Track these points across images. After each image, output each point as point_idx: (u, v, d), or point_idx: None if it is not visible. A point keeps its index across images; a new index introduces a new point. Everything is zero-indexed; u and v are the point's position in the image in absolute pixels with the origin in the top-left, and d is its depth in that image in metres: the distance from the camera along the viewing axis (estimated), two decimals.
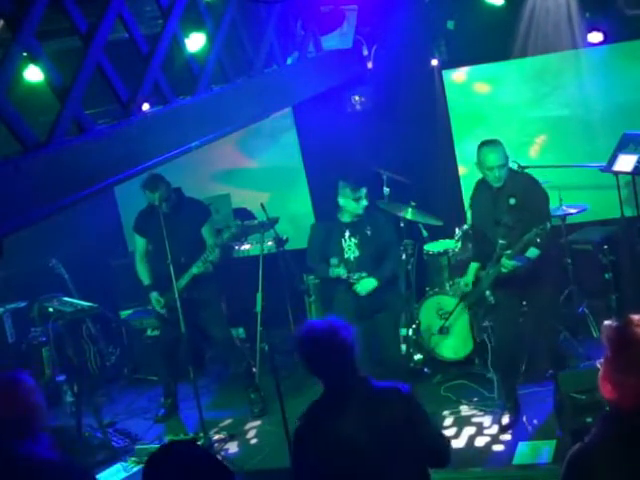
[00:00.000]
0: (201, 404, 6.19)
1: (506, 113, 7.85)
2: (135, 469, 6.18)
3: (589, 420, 4.83)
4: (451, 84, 8.01)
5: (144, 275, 6.87)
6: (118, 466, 6.21)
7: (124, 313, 8.28)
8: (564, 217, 7.02)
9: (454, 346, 6.93)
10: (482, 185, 5.96)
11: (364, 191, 6.19)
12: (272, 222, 7.09)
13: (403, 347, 6.80)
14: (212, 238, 6.70)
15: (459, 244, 7.02)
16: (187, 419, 6.92)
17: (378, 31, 7.53)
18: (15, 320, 7.52)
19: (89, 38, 3.73)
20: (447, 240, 7.34)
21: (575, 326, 6.94)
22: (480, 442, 5.82)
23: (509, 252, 5.59)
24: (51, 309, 6.51)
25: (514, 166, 6.98)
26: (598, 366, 2.66)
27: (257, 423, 6.71)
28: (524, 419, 5.94)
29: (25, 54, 3.44)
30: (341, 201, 6.23)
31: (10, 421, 3.13)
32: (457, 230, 7.10)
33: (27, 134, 3.37)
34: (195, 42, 5.33)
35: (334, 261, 6.22)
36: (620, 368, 2.52)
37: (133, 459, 6.28)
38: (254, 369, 7.04)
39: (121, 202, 8.91)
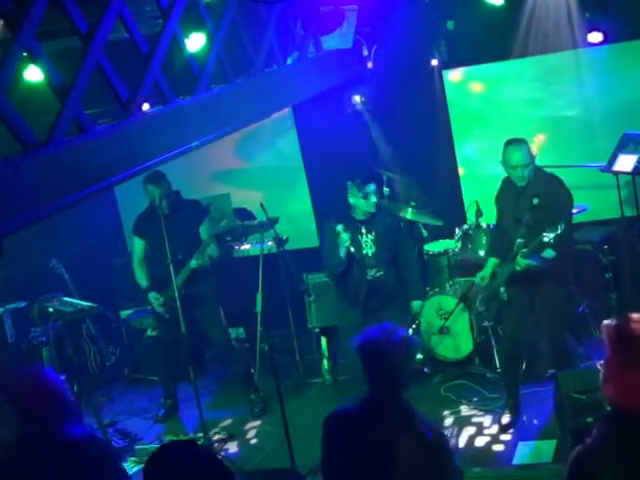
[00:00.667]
0: (201, 404, 6.19)
1: (506, 113, 7.85)
2: (135, 469, 6.17)
3: (589, 420, 4.83)
4: (451, 84, 8.02)
5: (142, 278, 6.87)
6: None
7: (124, 313, 8.28)
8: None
9: (454, 346, 6.93)
10: (507, 183, 5.97)
11: (372, 187, 6.14)
12: (272, 222, 7.09)
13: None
14: (209, 236, 6.71)
15: (459, 244, 7.02)
16: (187, 419, 6.92)
17: (378, 31, 7.54)
18: (15, 320, 7.52)
19: (89, 38, 3.73)
20: (447, 240, 7.34)
21: (575, 326, 6.93)
22: (480, 442, 5.83)
23: (525, 250, 5.60)
24: (51, 309, 6.51)
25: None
26: (598, 367, 2.66)
27: (257, 423, 6.71)
28: (524, 419, 5.94)
29: (25, 54, 3.44)
30: (351, 200, 6.20)
31: (48, 408, 3.43)
32: (457, 230, 7.11)
33: (27, 134, 3.37)
34: (195, 42, 5.33)
35: (339, 227, 6.13)
36: (621, 367, 2.52)
37: (133, 459, 6.28)
38: (253, 370, 7.03)
39: (121, 202, 8.91)
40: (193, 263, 6.56)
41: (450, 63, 7.89)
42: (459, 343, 6.90)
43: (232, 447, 6.38)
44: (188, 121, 4.58)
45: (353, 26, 6.98)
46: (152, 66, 4.22)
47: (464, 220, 7.35)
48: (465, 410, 6.29)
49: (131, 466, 6.20)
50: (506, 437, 5.82)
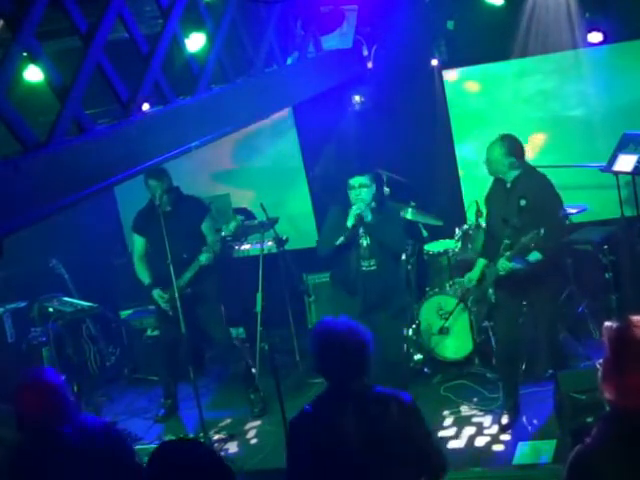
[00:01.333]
0: (201, 404, 6.19)
1: (506, 113, 7.84)
2: None
3: (589, 420, 4.83)
4: (451, 84, 8.01)
5: (144, 275, 6.87)
6: None
7: (124, 313, 8.28)
8: (564, 217, 7.02)
9: (454, 346, 6.93)
10: (497, 183, 5.97)
11: (358, 180, 6.12)
12: (272, 222, 7.09)
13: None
14: (212, 234, 6.73)
15: (459, 244, 7.03)
16: (187, 419, 6.92)
17: (378, 31, 7.54)
18: (15, 320, 7.51)
19: (89, 38, 3.73)
20: (447, 240, 7.35)
21: (575, 326, 6.94)
22: (480, 442, 5.83)
23: (507, 254, 5.59)
24: (51, 309, 6.52)
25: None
26: (598, 366, 2.66)
27: (257, 423, 6.71)
28: (524, 419, 5.94)
29: (25, 54, 3.44)
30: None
31: (50, 410, 3.49)
32: (457, 230, 7.11)
33: (27, 134, 3.37)
34: (195, 42, 5.33)
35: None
36: (621, 369, 2.52)
37: None
38: (254, 369, 7.03)
39: (121, 202, 8.91)
40: (203, 259, 6.56)
41: (450, 63, 7.89)
42: (459, 343, 6.90)
43: (232, 447, 6.38)
44: (188, 121, 4.58)
45: (353, 26, 6.98)
46: (152, 66, 4.22)
47: (464, 220, 7.35)
48: (465, 410, 6.29)
49: None
50: (506, 437, 5.81)
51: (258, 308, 6.90)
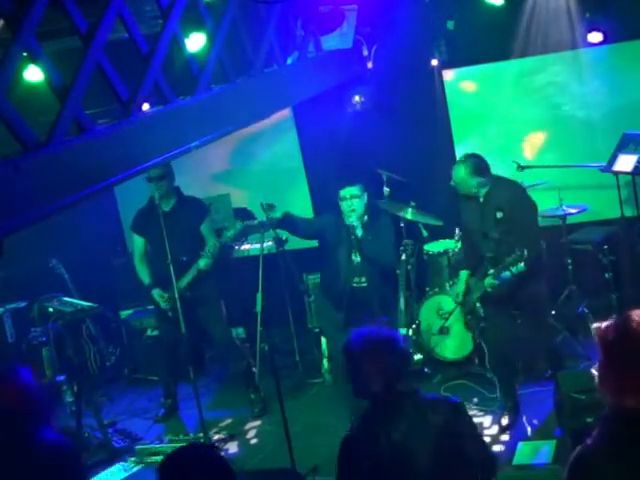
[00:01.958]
0: (201, 404, 6.19)
1: (506, 113, 7.84)
2: (135, 469, 6.18)
3: (589, 420, 4.83)
4: (451, 84, 8.01)
5: (144, 275, 6.87)
6: (118, 466, 6.22)
7: (124, 313, 8.28)
8: (564, 217, 7.03)
9: (454, 346, 6.93)
10: (469, 196, 5.95)
11: (348, 191, 6.17)
12: (272, 222, 7.08)
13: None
14: (211, 236, 6.74)
15: (459, 244, 7.02)
16: (187, 419, 6.93)
17: (378, 31, 7.53)
18: (15, 320, 7.52)
19: (89, 38, 3.73)
20: (447, 240, 7.34)
21: (575, 326, 6.94)
22: None
23: (492, 272, 5.60)
24: (51, 309, 6.52)
25: (514, 166, 7.01)
26: (593, 370, 2.65)
27: (257, 423, 6.71)
28: (524, 419, 5.95)
29: (25, 54, 3.43)
30: None
31: (22, 409, 3.41)
32: (457, 230, 7.11)
33: (27, 134, 3.37)
34: (195, 42, 5.32)
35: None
36: (616, 368, 2.51)
37: (133, 459, 6.29)
38: (254, 369, 7.03)
39: (121, 202, 8.91)
40: (202, 263, 6.58)
41: (450, 63, 7.88)
42: (459, 343, 6.90)
43: (232, 447, 6.39)
44: (188, 121, 4.57)
45: (353, 26, 6.98)
46: (152, 66, 4.22)
47: None
48: None
49: (131, 466, 6.22)
50: (506, 437, 5.82)
51: (258, 308, 6.89)
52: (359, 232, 6.17)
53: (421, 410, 3.30)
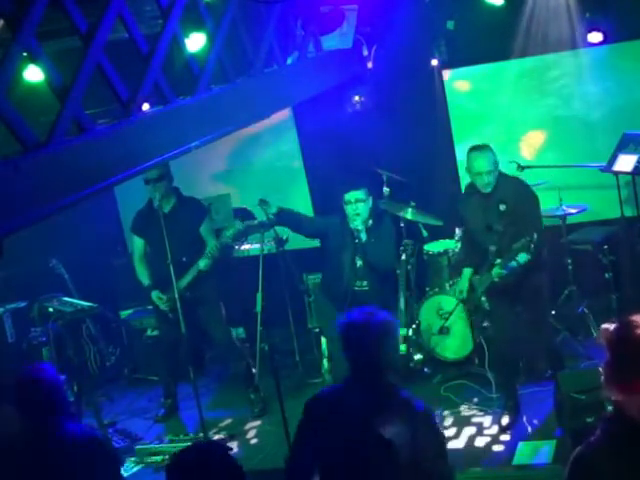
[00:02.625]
0: (201, 404, 6.19)
1: (506, 113, 7.84)
2: (135, 469, 6.19)
3: (589, 420, 4.83)
4: (451, 84, 8.01)
5: (143, 276, 6.88)
6: None
7: (124, 313, 8.28)
8: (564, 217, 7.03)
9: (454, 346, 6.93)
10: (471, 189, 5.98)
11: (353, 195, 6.19)
12: (272, 222, 7.08)
13: (403, 347, 6.79)
14: (211, 237, 6.74)
15: (459, 244, 7.02)
16: (187, 419, 6.93)
17: (378, 31, 7.52)
18: (15, 320, 7.52)
19: (89, 38, 3.72)
20: (447, 240, 7.34)
21: (575, 326, 6.94)
22: (480, 442, 5.83)
23: (499, 261, 5.60)
24: (51, 309, 6.51)
25: (514, 166, 7.01)
26: (600, 370, 2.66)
27: (257, 423, 6.71)
28: (524, 419, 5.95)
29: (25, 54, 3.43)
30: None
31: (45, 402, 3.55)
32: (457, 230, 7.11)
33: (27, 134, 3.37)
34: (195, 42, 5.32)
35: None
36: (622, 370, 2.52)
37: (133, 459, 6.29)
38: (254, 369, 7.03)
39: (121, 202, 8.91)
40: (202, 264, 6.58)
41: (450, 63, 7.88)
42: (459, 343, 6.90)
43: (232, 447, 6.38)
44: (188, 121, 4.57)
45: (353, 26, 6.97)
46: (152, 66, 4.22)
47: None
48: (465, 410, 6.29)
49: (131, 466, 6.22)
50: (506, 437, 5.82)
51: (258, 308, 6.89)
52: (363, 236, 6.18)
53: (385, 403, 3.36)
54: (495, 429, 5.94)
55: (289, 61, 6.05)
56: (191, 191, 7.10)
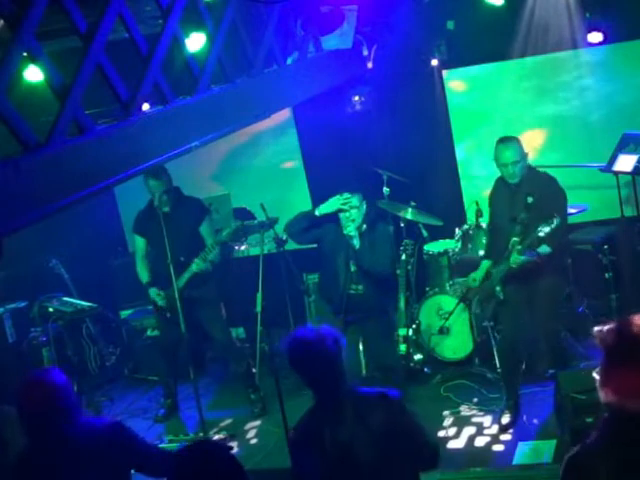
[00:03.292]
0: (201, 404, 6.19)
1: (506, 113, 7.84)
2: None
3: (589, 420, 4.83)
4: (451, 84, 8.01)
5: (143, 273, 6.88)
6: None
7: (124, 313, 8.28)
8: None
9: (454, 346, 6.93)
10: (500, 182, 6.02)
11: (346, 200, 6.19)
12: (272, 222, 7.09)
13: (403, 347, 6.80)
14: (211, 237, 6.74)
15: (459, 244, 7.03)
16: (187, 419, 6.93)
17: (378, 31, 7.52)
18: (15, 320, 7.52)
19: (89, 38, 3.73)
20: (447, 240, 7.34)
21: (575, 326, 6.93)
22: (480, 442, 5.82)
23: (519, 247, 5.62)
24: (51, 309, 6.52)
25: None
26: (594, 374, 2.65)
27: (257, 423, 6.71)
28: (524, 419, 5.94)
29: (25, 54, 3.43)
30: None
31: (55, 410, 3.49)
32: (457, 230, 7.11)
33: (27, 134, 3.37)
34: (195, 42, 5.33)
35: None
36: (617, 370, 2.52)
37: None
38: (254, 369, 7.04)
39: (121, 202, 8.91)
40: (194, 267, 6.58)
41: (450, 63, 7.88)
42: (459, 343, 6.90)
43: (232, 446, 6.38)
44: (188, 121, 4.58)
45: (353, 26, 6.97)
46: (152, 66, 4.22)
47: (464, 220, 7.35)
48: (465, 410, 6.29)
49: None
50: (506, 437, 5.81)
51: (258, 308, 6.90)
52: (356, 242, 6.18)
53: (359, 407, 3.33)
54: (495, 429, 5.94)
55: (289, 61, 6.05)
56: (191, 191, 7.09)
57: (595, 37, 7.12)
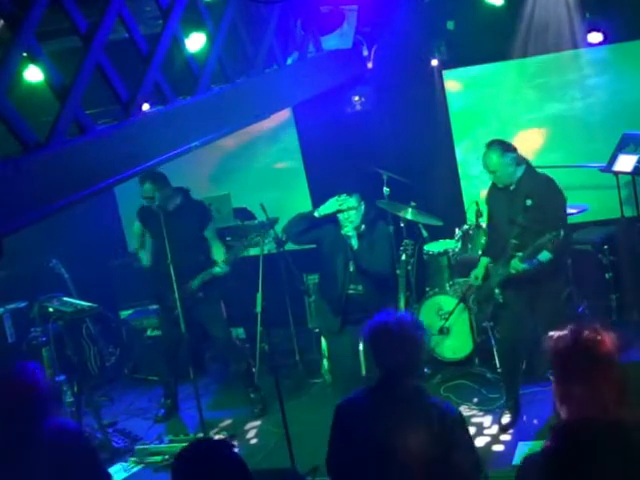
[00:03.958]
0: (201, 404, 6.19)
1: (506, 113, 7.84)
2: (135, 469, 6.19)
3: None
4: (451, 84, 8.01)
5: (144, 256, 6.92)
6: (118, 466, 6.22)
7: (124, 313, 8.28)
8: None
9: (454, 346, 6.93)
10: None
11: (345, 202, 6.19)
12: (272, 222, 7.09)
13: None
14: (216, 240, 6.76)
15: (459, 244, 7.02)
16: (187, 419, 6.93)
17: (378, 31, 7.53)
18: (15, 320, 7.51)
19: (89, 38, 3.73)
20: (447, 240, 7.34)
21: None
22: (480, 442, 5.82)
23: (520, 254, 5.58)
24: (51, 309, 6.51)
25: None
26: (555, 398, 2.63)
27: (257, 423, 6.71)
28: (524, 419, 5.94)
29: (25, 54, 3.44)
30: None
31: (35, 402, 3.48)
32: (457, 230, 7.11)
33: (27, 134, 3.37)
34: (195, 42, 5.33)
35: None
36: (564, 380, 2.49)
37: (133, 459, 6.29)
38: (254, 369, 7.04)
39: (121, 202, 8.91)
40: (217, 269, 6.61)
41: (450, 63, 7.88)
42: (459, 343, 6.90)
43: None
44: (188, 121, 4.58)
45: (353, 26, 6.97)
46: (152, 66, 4.22)
47: (464, 220, 7.35)
48: (465, 410, 6.28)
49: (131, 466, 6.22)
50: (506, 437, 5.82)
51: (258, 308, 6.90)
52: (354, 242, 6.18)
53: (414, 408, 3.35)
54: (495, 429, 5.94)
55: (289, 61, 6.05)
56: (191, 191, 7.09)
57: (595, 37, 7.11)
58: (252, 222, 7.68)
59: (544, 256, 5.58)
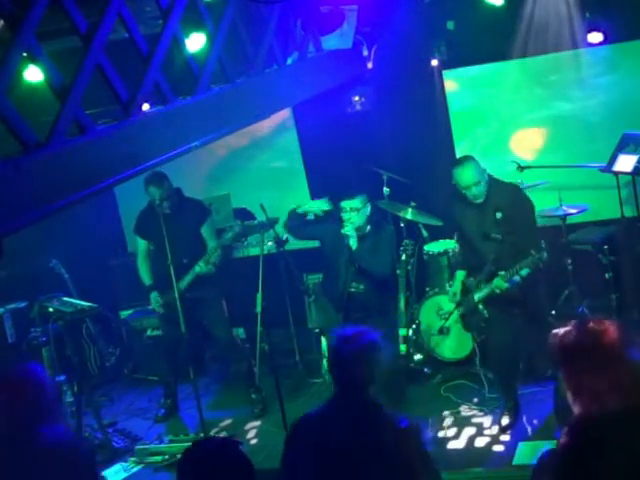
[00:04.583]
0: (201, 404, 6.19)
1: (506, 113, 7.84)
2: (135, 469, 6.18)
3: None
4: (451, 84, 8.01)
5: (145, 275, 6.90)
6: (118, 466, 6.22)
7: (124, 313, 8.28)
8: (564, 217, 7.02)
9: (454, 346, 6.93)
10: (460, 197, 5.91)
11: (348, 204, 6.17)
12: (272, 222, 7.09)
13: (403, 347, 6.79)
14: (212, 238, 6.75)
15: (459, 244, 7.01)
16: (187, 419, 6.93)
17: (378, 31, 7.53)
18: (15, 320, 7.51)
19: (89, 38, 3.73)
20: (447, 240, 7.33)
21: None
22: (480, 442, 5.82)
23: (503, 274, 5.58)
24: (51, 309, 6.51)
25: (514, 166, 7.01)
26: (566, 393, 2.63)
27: (257, 423, 6.71)
28: (524, 419, 5.94)
29: (25, 54, 3.44)
30: None
31: (32, 406, 3.42)
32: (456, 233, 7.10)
33: (27, 134, 3.37)
34: (195, 42, 5.33)
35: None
36: (574, 373, 2.49)
37: (133, 459, 6.29)
38: (255, 369, 7.04)
39: (121, 202, 8.91)
40: (197, 269, 6.60)
41: (450, 63, 7.87)
42: (459, 343, 6.89)
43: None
44: (188, 121, 4.58)
45: (353, 26, 6.98)
46: (152, 66, 4.22)
47: None
48: (465, 410, 6.29)
49: (131, 466, 6.22)
50: (506, 437, 5.81)
51: (258, 308, 6.90)
52: (352, 243, 6.17)
53: (371, 423, 3.33)
54: (495, 429, 5.93)
55: (289, 61, 6.05)
56: (191, 191, 7.10)
57: (595, 37, 7.11)
58: (252, 222, 7.68)
59: (524, 272, 5.55)
